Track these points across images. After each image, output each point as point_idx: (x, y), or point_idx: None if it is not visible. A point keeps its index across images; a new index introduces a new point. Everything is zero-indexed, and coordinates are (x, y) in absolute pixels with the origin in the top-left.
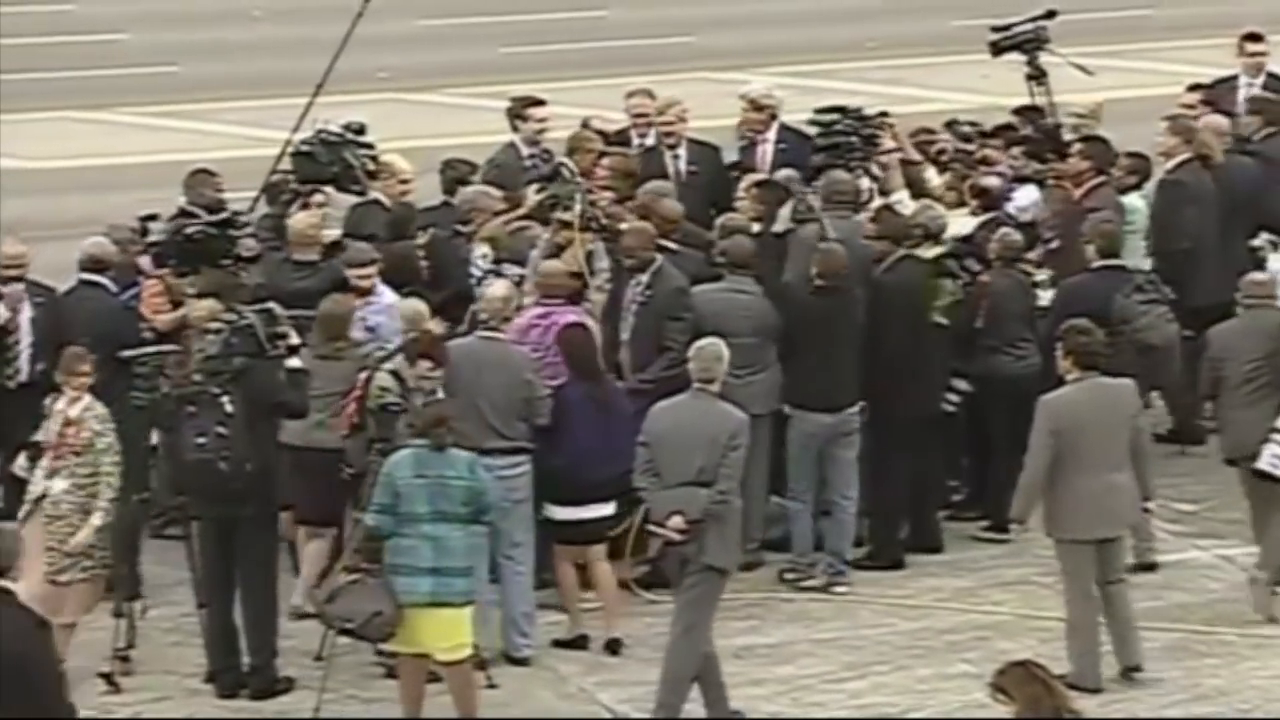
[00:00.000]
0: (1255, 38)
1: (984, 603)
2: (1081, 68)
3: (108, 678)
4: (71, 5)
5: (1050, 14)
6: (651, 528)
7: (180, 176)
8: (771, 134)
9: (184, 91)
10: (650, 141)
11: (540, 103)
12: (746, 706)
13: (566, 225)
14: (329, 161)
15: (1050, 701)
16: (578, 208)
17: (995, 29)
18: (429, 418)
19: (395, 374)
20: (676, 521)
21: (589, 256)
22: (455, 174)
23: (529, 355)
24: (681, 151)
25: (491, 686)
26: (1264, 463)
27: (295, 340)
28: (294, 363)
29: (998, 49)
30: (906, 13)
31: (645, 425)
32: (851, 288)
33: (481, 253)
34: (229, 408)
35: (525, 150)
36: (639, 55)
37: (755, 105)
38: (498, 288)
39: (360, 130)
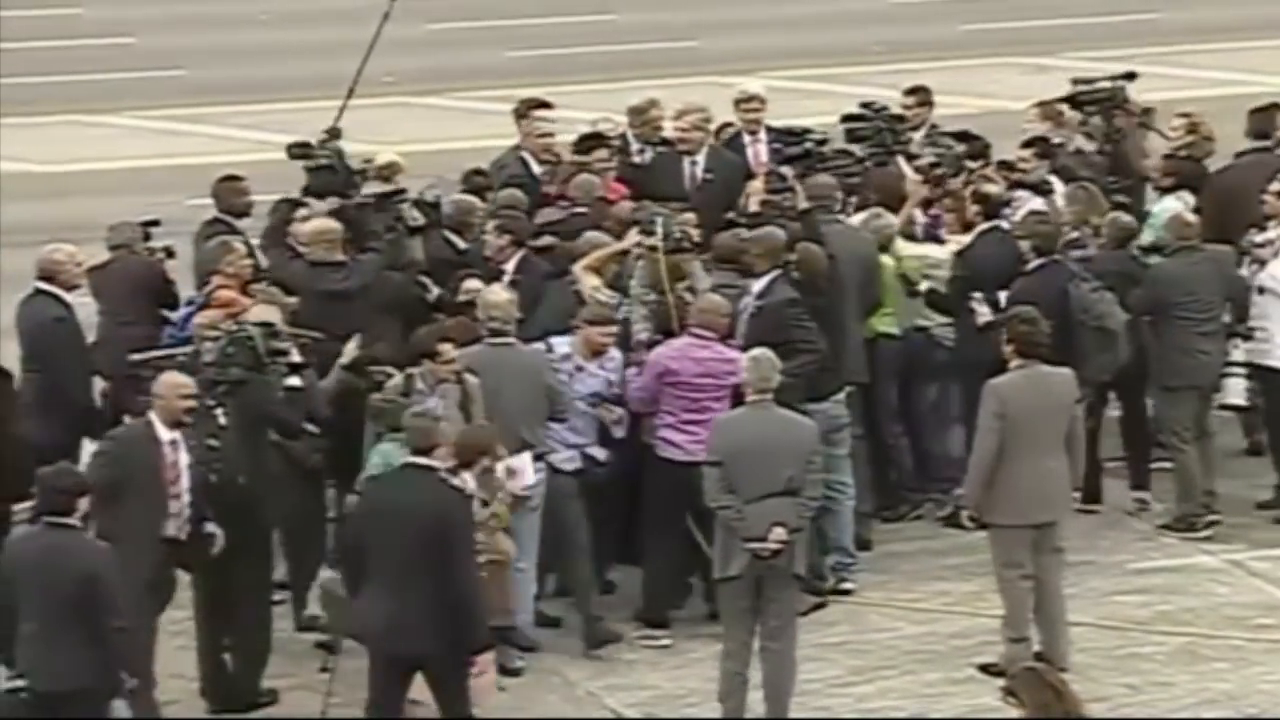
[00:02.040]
0: None
1: (991, 606)
2: (1160, 132)
3: None
4: (79, 9)
5: (1130, 75)
6: (750, 546)
7: (188, 181)
8: (763, 134)
9: (191, 95)
10: (647, 153)
11: (547, 104)
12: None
13: (653, 250)
14: (346, 176)
15: (1061, 706)
16: (660, 231)
17: (1075, 80)
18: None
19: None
20: (780, 533)
21: (689, 278)
22: (479, 183)
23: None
24: (699, 158)
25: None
26: (1234, 397)
27: (297, 358)
28: (293, 381)
29: (1076, 103)
30: (913, 18)
31: (712, 443)
32: (830, 286)
33: (594, 284)
34: (222, 420)
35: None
36: (645, 59)
37: (762, 102)
38: (498, 292)
39: (337, 135)
